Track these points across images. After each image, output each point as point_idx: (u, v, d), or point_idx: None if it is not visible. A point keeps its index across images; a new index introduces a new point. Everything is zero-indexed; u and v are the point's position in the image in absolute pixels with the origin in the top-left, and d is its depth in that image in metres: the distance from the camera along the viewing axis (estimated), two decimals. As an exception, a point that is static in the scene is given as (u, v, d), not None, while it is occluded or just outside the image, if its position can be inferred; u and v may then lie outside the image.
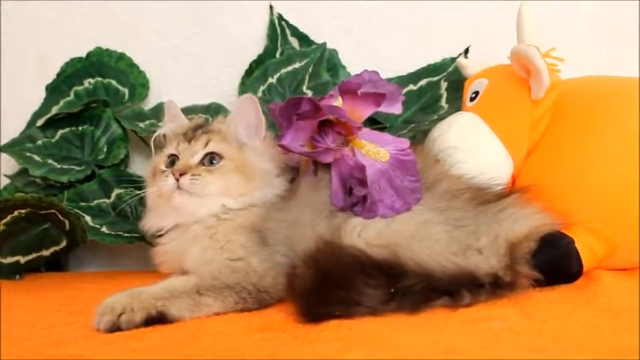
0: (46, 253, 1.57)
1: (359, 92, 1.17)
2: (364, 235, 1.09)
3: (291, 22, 1.80)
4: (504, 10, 1.65)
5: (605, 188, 1.22)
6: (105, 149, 1.69)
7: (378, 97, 1.18)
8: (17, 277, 1.53)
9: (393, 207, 1.12)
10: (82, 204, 1.61)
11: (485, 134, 1.34)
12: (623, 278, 1.18)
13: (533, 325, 0.85)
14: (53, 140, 1.70)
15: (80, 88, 1.78)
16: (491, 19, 1.77)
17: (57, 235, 1.55)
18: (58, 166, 1.64)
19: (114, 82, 1.78)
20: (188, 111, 1.62)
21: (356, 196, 1.15)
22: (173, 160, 1.20)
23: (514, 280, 1.01)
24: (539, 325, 0.84)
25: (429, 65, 1.74)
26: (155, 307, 0.96)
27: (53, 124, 1.72)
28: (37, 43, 1.83)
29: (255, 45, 1.81)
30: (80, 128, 1.72)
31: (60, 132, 1.71)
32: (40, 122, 1.71)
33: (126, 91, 1.77)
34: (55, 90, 1.78)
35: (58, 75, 1.78)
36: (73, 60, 1.78)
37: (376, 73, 1.24)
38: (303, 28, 1.80)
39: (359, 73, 1.24)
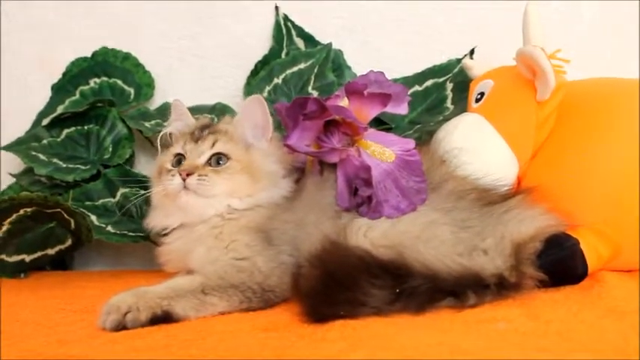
0: (51, 251, 1.57)
1: (365, 93, 1.18)
2: (370, 235, 1.09)
3: (296, 22, 1.80)
4: (509, 11, 1.65)
5: (610, 190, 1.22)
6: (110, 149, 1.70)
7: (384, 98, 1.18)
8: (22, 275, 1.53)
9: (399, 207, 1.12)
10: (88, 203, 1.61)
11: (491, 135, 1.34)
12: (628, 280, 1.18)
13: (538, 325, 0.85)
14: (59, 139, 1.71)
15: (86, 87, 1.78)
16: (496, 20, 1.77)
17: (62, 234, 1.55)
18: (64, 165, 1.65)
19: (119, 82, 1.78)
20: (193, 111, 1.61)
21: (361, 196, 1.15)
22: (179, 159, 1.20)
23: (519, 281, 1.01)
24: (545, 325, 0.84)
25: (435, 66, 1.74)
26: (160, 306, 0.97)
27: (59, 123, 1.72)
28: (40, 44, 1.83)
29: (260, 45, 1.81)
30: (86, 127, 1.72)
31: (65, 131, 1.72)
32: (45, 121, 1.72)
33: (131, 90, 1.77)
34: (60, 89, 1.78)
35: (64, 74, 1.78)
36: (78, 59, 1.79)
37: (382, 73, 1.24)
38: (307, 29, 1.80)
39: (365, 73, 1.24)
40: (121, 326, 0.93)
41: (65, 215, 1.46)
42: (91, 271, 1.76)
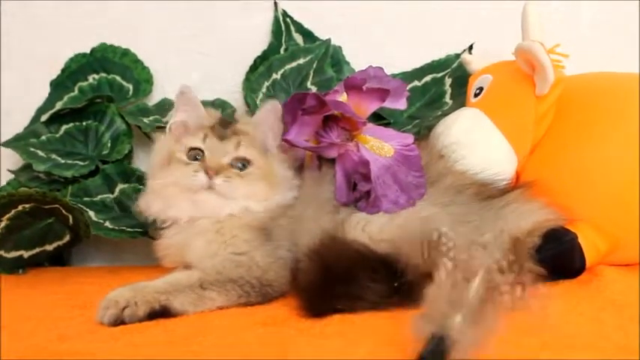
0: (49, 247, 1.57)
1: (364, 88, 1.18)
2: (368, 229, 1.09)
3: (295, 18, 1.80)
4: (508, 6, 1.64)
5: (609, 184, 1.22)
6: (109, 144, 1.69)
7: (383, 93, 1.18)
8: (20, 271, 1.53)
9: (397, 202, 1.12)
10: (86, 199, 1.61)
11: (490, 130, 1.34)
12: (626, 273, 1.18)
13: (536, 319, 0.84)
14: (57, 135, 1.70)
15: (84, 83, 1.77)
16: (495, 15, 1.77)
17: (60, 229, 1.55)
18: (62, 161, 1.64)
19: (118, 78, 1.78)
20: (192, 107, 1.62)
21: (360, 191, 1.15)
22: (196, 154, 1.17)
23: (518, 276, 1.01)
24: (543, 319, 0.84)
25: (434, 61, 1.74)
26: (159, 301, 0.96)
27: (57, 119, 1.71)
28: (39, 40, 1.83)
29: (259, 41, 1.80)
30: (84, 123, 1.71)
31: (64, 127, 1.71)
32: (44, 117, 1.71)
33: (130, 86, 1.77)
34: (59, 85, 1.77)
35: (63, 70, 1.77)
36: (77, 55, 1.78)
37: (381, 69, 1.24)
38: (306, 25, 1.79)
39: (364, 68, 1.24)
40: (119, 321, 0.93)
41: (63, 211, 1.46)
42: (89, 267, 1.75)
